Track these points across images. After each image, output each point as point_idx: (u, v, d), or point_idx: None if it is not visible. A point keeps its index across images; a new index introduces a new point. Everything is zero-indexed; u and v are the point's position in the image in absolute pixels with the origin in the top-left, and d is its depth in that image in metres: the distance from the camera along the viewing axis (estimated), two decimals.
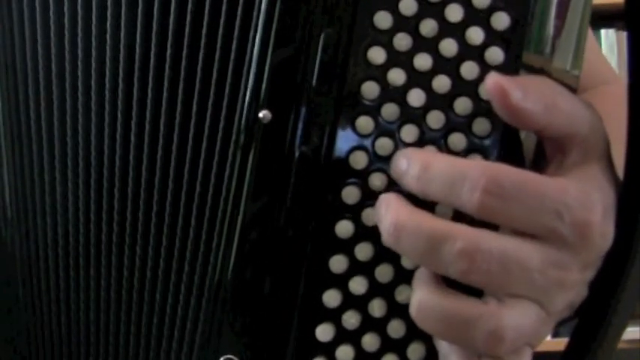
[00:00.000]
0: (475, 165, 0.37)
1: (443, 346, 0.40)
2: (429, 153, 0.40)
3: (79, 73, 0.48)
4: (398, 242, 0.38)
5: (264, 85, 0.42)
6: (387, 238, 0.38)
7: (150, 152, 0.46)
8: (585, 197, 0.38)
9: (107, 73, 0.47)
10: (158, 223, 0.47)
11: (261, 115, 0.42)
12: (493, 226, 0.38)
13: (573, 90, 0.43)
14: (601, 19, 1.57)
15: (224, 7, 0.44)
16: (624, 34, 1.59)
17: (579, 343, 0.43)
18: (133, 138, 0.47)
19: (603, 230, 0.39)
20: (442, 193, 0.38)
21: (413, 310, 0.39)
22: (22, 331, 0.52)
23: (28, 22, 0.49)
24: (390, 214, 0.38)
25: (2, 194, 0.51)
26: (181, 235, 0.46)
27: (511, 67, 0.40)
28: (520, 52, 0.41)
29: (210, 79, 0.44)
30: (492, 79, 0.38)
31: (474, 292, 0.38)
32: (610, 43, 1.57)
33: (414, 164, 0.39)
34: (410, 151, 0.40)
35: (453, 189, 0.37)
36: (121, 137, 0.47)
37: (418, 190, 0.39)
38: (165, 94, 0.46)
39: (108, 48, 0.47)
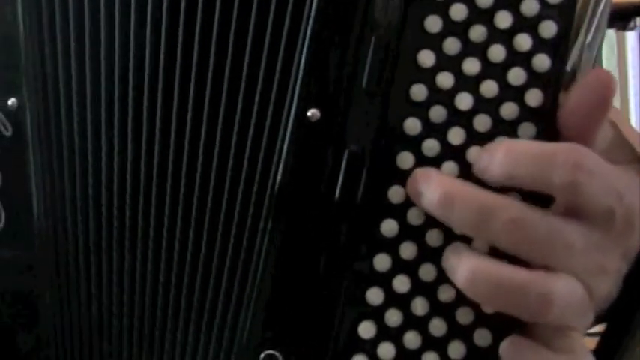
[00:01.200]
0: (564, 146, 0.39)
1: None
2: None
3: (102, 79, 0.47)
4: (448, 211, 0.40)
5: (313, 84, 0.43)
6: (435, 208, 0.40)
7: (190, 151, 0.46)
8: (634, 184, 0.40)
9: (160, 71, 0.46)
10: (197, 228, 0.47)
11: (309, 113, 0.43)
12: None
13: None
14: None
15: (273, 6, 0.44)
16: (624, 34, 1.61)
17: (606, 345, 0.44)
18: (172, 135, 0.46)
19: None
20: (531, 171, 0.39)
21: (463, 278, 0.40)
22: (49, 327, 0.52)
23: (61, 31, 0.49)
24: (438, 184, 0.40)
25: (30, 200, 0.50)
26: (225, 221, 0.46)
27: (557, 74, 0.41)
28: (566, 59, 0.42)
29: (258, 76, 0.44)
30: (605, 71, 0.40)
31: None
32: (610, 43, 1.59)
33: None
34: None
35: (542, 170, 0.38)
36: (175, 134, 0.47)
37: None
38: (208, 90, 0.45)
39: (162, 50, 0.46)
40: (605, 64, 1.56)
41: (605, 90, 0.40)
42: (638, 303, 0.45)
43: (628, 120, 1.55)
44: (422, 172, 0.41)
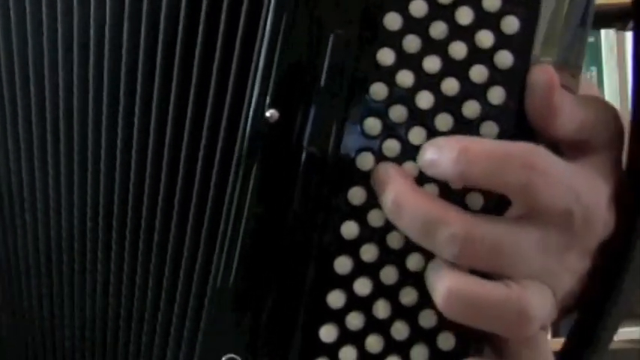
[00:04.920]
0: (519, 146, 0.38)
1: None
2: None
3: (74, 67, 0.47)
4: (397, 219, 0.39)
5: (271, 84, 0.42)
6: (387, 212, 0.39)
7: (155, 149, 0.46)
8: (593, 183, 0.39)
9: (105, 66, 0.46)
10: (149, 221, 0.46)
11: (268, 114, 0.42)
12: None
13: None
14: (601, 19, 1.57)
15: (225, 4, 0.43)
16: (624, 34, 1.60)
17: (575, 344, 0.43)
18: (135, 134, 0.46)
19: (607, 218, 0.40)
20: (485, 174, 0.38)
21: (440, 299, 0.38)
22: (3, 336, 0.51)
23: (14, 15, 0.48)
24: (391, 188, 0.39)
25: None
26: (176, 235, 0.46)
27: (520, 71, 0.40)
28: (529, 55, 0.41)
29: (210, 78, 0.43)
30: (547, 70, 0.39)
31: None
32: (610, 43, 1.58)
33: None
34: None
35: (495, 170, 0.37)
36: (122, 132, 0.46)
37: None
38: (155, 93, 0.45)
39: (106, 42, 0.46)
40: (605, 64, 1.55)
41: (548, 92, 0.39)
42: (607, 302, 0.43)
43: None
44: (383, 169, 0.40)
